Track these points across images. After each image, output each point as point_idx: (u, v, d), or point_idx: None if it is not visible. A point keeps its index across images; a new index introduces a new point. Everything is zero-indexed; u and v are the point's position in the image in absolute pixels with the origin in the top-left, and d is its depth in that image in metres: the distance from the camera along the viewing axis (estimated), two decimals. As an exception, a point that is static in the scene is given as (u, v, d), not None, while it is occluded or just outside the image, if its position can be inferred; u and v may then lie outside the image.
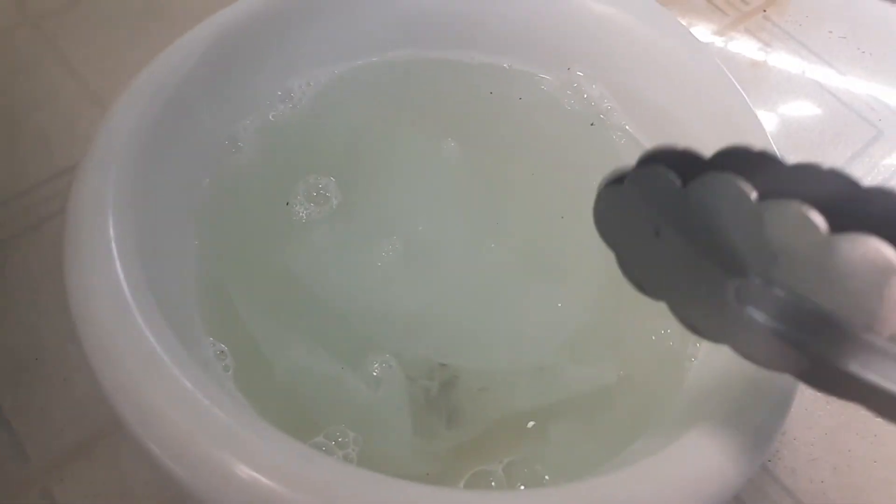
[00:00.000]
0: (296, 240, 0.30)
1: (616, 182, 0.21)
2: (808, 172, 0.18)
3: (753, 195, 0.17)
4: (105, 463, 0.29)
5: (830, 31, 0.50)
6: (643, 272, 0.22)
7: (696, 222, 0.19)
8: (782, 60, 0.47)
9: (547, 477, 0.25)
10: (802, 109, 0.45)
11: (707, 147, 0.31)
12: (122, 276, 0.21)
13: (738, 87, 0.31)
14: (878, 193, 0.17)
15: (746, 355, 0.19)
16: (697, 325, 0.20)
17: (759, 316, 0.18)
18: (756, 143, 0.29)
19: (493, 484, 0.25)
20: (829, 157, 0.43)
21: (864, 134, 0.44)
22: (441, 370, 0.28)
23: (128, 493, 0.28)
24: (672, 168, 0.19)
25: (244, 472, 0.19)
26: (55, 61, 0.41)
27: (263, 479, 0.19)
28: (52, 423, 0.30)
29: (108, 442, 0.29)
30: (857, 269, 0.16)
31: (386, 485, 0.19)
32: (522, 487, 0.25)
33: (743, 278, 0.18)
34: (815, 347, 0.17)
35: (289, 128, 0.32)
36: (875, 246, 0.15)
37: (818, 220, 0.16)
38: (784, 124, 0.44)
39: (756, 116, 0.31)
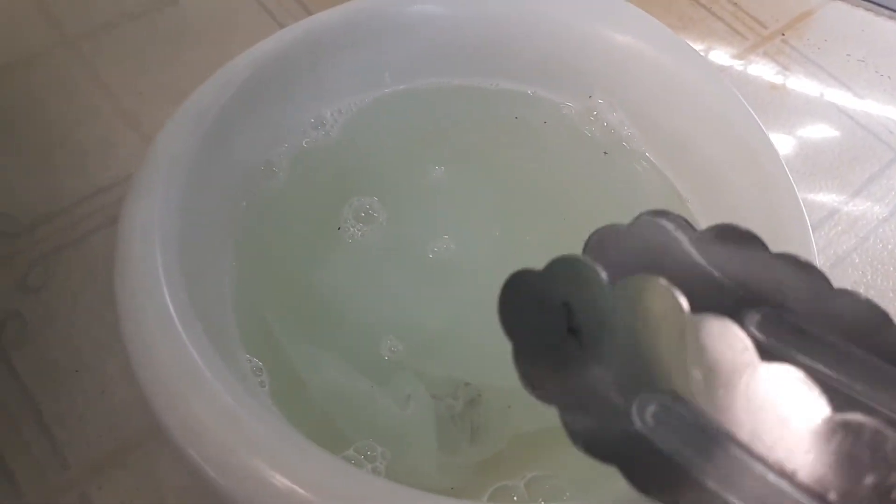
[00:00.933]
0: (327, 261, 0.31)
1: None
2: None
3: (686, 307, 0.15)
4: (141, 471, 0.30)
5: (849, 55, 0.50)
6: (540, 370, 0.19)
7: (618, 325, 0.17)
8: (801, 84, 0.48)
9: (568, 493, 0.26)
10: (820, 132, 0.46)
11: (724, 173, 0.32)
12: (168, 299, 0.23)
13: (754, 114, 0.32)
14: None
15: (638, 483, 0.17)
16: (588, 439, 0.18)
17: (662, 439, 0.17)
18: (770, 172, 0.31)
19: (515, 499, 0.26)
20: (847, 180, 0.43)
21: (882, 157, 0.45)
22: (465, 388, 0.29)
23: (162, 501, 0.30)
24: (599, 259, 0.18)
25: (281, 482, 0.20)
26: (91, 82, 0.42)
27: (300, 490, 0.20)
28: (91, 432, 0.31)
29: (145, 451, 0.31)
30: (781, 402, 0.15)
31: (415, 498, 0.20)
32: (543, 503, 0.26)
33: (655, 394, 0.17)
34: (716, 485, 0.16)
35: (322, 153, 0.34)
36: (801, 380, 0.14)
37: (749, 344, 0.15)
38: (802, 147, 0.45)
39: (770, 142, 0.32)
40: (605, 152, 0.35)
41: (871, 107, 0.47)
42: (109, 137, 0.40)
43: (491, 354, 0.30)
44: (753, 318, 0.18)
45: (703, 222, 0.33)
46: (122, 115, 0.41)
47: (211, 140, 0.27)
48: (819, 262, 0.29)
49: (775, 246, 0.29)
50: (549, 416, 0.29)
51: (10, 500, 0.29)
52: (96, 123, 0.40)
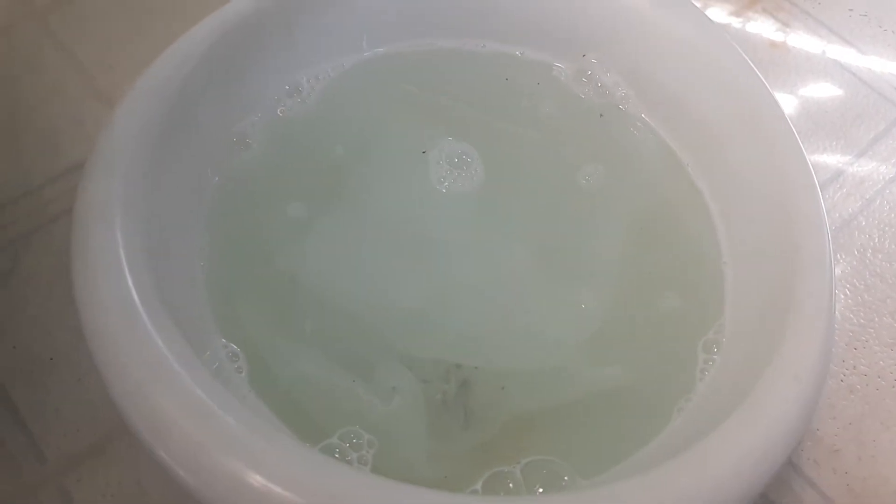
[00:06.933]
0: (305, 240, 0.30)
1: None
2: None
3: None
4: (121, 462, 0.29)
5: (850, 9, 0.48)
6: None
7: None
8: (802, 40, 0.46)
9: (566, 478, 0.25)
10: (823, 90, 0.44)
11: (726, 134, 0.31)
12: (131, 284, 0.21)
13: (757, 71, 0.31)
14: None
15: None
16: None
17: None
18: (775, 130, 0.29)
19: (511, 486, 0.24)
20: (852, 140, 0.42)
21: (888, 115, 0.43)
22: (456, 371, 0.27)
23: (144, 492, 0.28)
24: None
25: (256, 480, 0.18)
26: (60, 57, 0.40)
27: (276, 489, 0.18)
28: (68, 423, 0.30)
29: (124, 441, 0.29)
30: None
31: (400, 491, 0.19)
32: (541, 490, 0.24)
33: None
34: None
35: (299, 123, 0.32)
36: None
37: None
38: (804, 106, 0.43)
39: (774, 99, 0.30)
40: (600, 115, 0.34)
41: (875, 63, 0.46)
42: (79, 114, 0.38)
43: (481, 334, 0.29)
44: None
45: (703, 187, 0.32)
46: (92, 90, 0.39)
47: (175, 111, 0.26)
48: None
49: (783, 209, 0.28)
50: (545, 395, 0.28)
51: (-18, 498, 0.28)
52: (65, 99, 0.39)
